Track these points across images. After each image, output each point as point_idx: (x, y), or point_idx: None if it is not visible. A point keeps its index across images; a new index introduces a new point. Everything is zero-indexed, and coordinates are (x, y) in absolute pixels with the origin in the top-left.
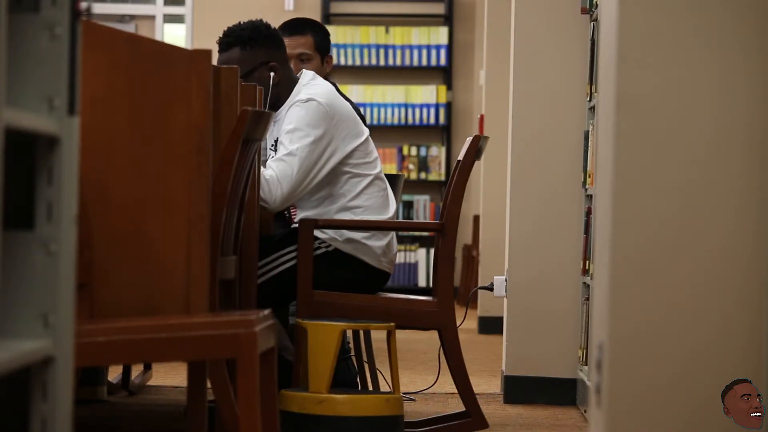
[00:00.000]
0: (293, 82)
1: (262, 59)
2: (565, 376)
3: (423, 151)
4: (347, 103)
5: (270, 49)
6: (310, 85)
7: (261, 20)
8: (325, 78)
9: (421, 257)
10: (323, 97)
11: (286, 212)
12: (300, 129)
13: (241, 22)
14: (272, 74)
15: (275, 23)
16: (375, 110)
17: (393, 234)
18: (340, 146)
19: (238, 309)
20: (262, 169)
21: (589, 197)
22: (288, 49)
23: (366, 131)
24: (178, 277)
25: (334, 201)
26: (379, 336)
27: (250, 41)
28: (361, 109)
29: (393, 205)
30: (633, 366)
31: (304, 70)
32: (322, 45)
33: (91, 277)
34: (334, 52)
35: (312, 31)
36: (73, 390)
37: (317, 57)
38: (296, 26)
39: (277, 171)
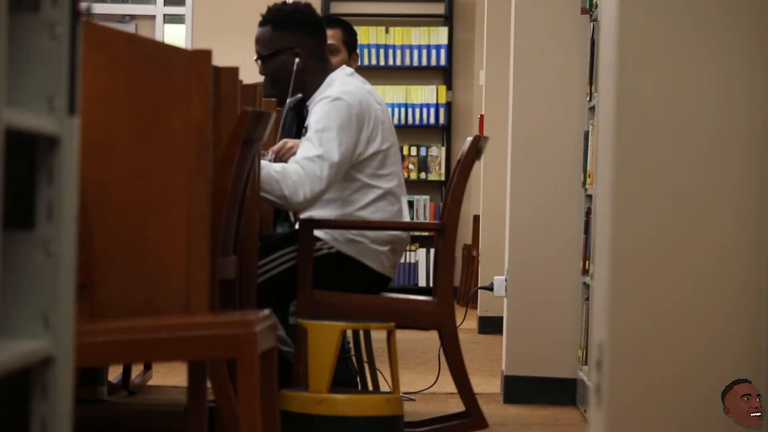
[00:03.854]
0: (324, 73)
1: (289, 44)
2: (565, 376)
3: (423, 151)
4: (380, 106)
5: (301, 35)
6: (345, 82)
7: (307, 5)
8: None
9: (421, 257)
10: (354, 97)
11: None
12: (330, 129)
13: (287, 2)
14: (297, 60)
15: None
16: None
17: (400, 240)
18: (360, 148)
19: (238, 309)
20: (280, 165)
21: (589, 197)
22: None
23: (390, 140)
24: (178, 277)
25: (341, 207)
26: (379, 336)
27: (282, 23)
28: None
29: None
30: (633, 366)
31: (344, 66)
32: (350, 41)
33: (91, 277)
34: None
35: (341, 27)
36: (73, 390)
37: (344, 51)
38: (327, 20)
39: (306, 170)
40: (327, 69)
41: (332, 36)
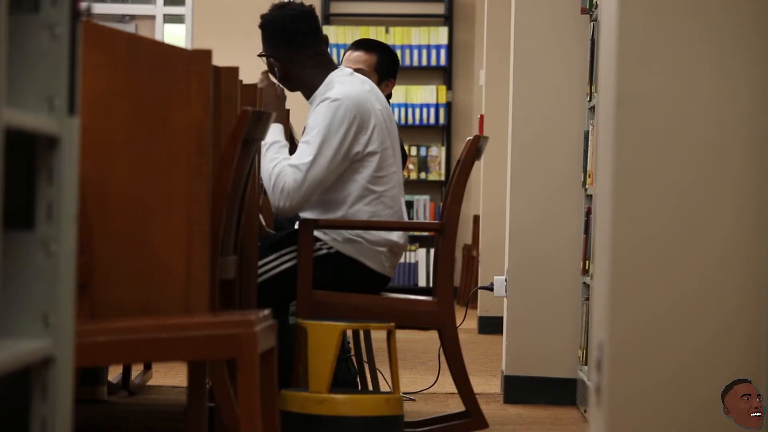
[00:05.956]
0: (315, 77)
1: (267, 51)
2: (565, 376)
3: (423, 151)
4: (380, 106)
5: (273, 46)
6: (344, 82)
7: (281, 10)
8: None
9: (421, 257)
10: (353, 99)
11: None
12: (323, 134)
13: (283, 2)
14: (276, 68)
15: None
16: None
17: (399, 239)
18: (358, 148)
19: (238, 309)
20: (279, 165)
21: (589, 197)
22: (350, 63)
23: (387, 142)
24: (178, 277)
25: (336, 209)
26: (379, 336)
27: (262, 30)
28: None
29: None
30: (633, 366)
31: (342, 66)
32: (385, 68)
33: (91, 277)
34: (333, 52)
35: (378, 53)
36: (73, 390)
37: (374, 77)
38: (366, 44)
39: (289, 180)
40: (317, 74)
41: (365, 61)
